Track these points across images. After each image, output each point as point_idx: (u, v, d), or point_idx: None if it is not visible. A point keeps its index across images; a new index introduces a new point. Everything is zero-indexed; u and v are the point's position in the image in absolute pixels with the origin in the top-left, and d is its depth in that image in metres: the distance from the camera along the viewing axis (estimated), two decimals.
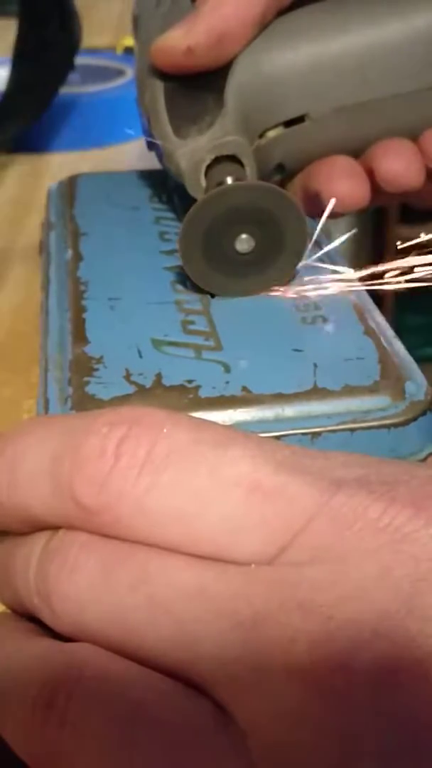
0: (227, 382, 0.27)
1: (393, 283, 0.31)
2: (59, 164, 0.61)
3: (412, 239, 0.32)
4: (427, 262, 0.31)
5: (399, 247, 0.31)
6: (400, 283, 0.31)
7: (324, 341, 0.29)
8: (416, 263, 0.31)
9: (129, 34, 0.51)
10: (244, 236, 0.31)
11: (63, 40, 0.58)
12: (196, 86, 0.34)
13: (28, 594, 0.21)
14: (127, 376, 0.27)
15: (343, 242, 0.33)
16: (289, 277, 0.32)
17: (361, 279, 0.32)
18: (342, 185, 0.36)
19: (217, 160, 0.33)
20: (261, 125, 0.35)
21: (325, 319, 0.30)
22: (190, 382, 0.27)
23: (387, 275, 0.31)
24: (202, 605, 0.18)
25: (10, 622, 0.22)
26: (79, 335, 0.30)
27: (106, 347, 0.29)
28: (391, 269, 0.31)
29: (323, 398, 0.27)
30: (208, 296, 0.32)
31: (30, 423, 0.22)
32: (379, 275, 0.31)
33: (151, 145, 0.37)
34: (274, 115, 0.35)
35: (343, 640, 0.17)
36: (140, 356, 0.28)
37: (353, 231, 0.34)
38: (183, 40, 0.33)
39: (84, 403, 0.27)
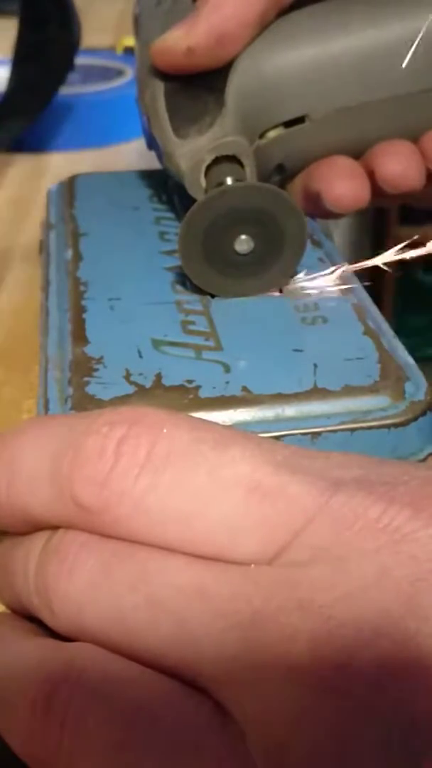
0: (227, 382, 0.27)
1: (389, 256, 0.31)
2: (59, 164, 0.61)
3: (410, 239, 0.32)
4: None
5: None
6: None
7: (324, 341, 0.29)
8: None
9: (129, 34, 0.51)
10: (243, 237, 0.31)
11: (63, 40, 0.58)
12: (196, 86, 0.34)
13: (28, 594, 0.21)
14: (127, 376, 0.27)
15: (343, 242, 0.33)
16: (288, 277, 0.32)
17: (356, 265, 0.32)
18: (342, 186, 0.36)
19: (217, 161, 0.33)
20: (261, 125, 0.35)
21: (325, 320, 0.30)
22: (190, 382, 0.27)
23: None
24: (201, 605, 0.18)
25: (10, 622, 0.22)
26: (79, 335, 0.30)
27: (106, 347, 0.29)
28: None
29: (323, 398, 0.27)
30: (208, 296, 0.32)
31: (30, 423, 0.22)
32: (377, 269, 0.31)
33: (151, 145, 0.37)
34: (275, 115, 0.35)
35: (343, 639, 0.17)
36: (140, 356, 0.28)
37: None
38: (183, 40, 0.33)
39: (84, 403, 0.27)
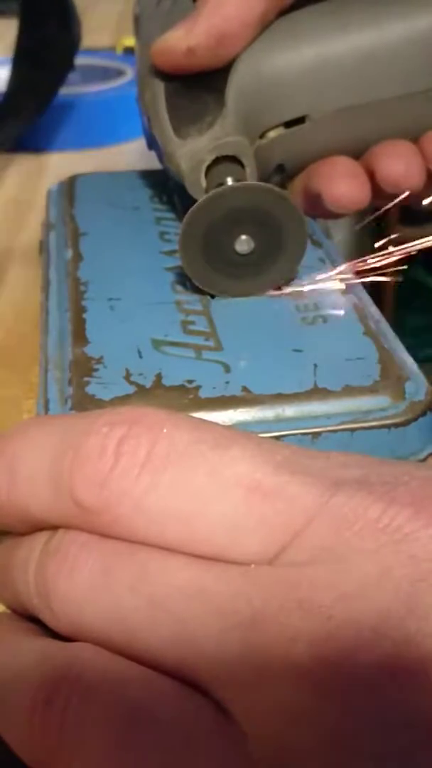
0: (227, 383, 0.27)
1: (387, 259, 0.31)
2: (59, 164, 0.61)
3: (412, 240, 0.32)
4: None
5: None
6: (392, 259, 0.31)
7: (324, 341, 0.29)
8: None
9: (129, 34, 0.51)
10: (243, 237, 0.31)
11: (63, 40, 0.58)
12: (196, 86, 0.34)
13: (28, 594, 0.21)
14: (127, 377, 0.27)
15: (344, 243, 0.33)
16: (288, 277, 0.32)
17: (358, 272, 0.32)
18: (342, 186, 0.36)
19: (218, 161, 0.33)
20: (261, 126, 0.35)
21: (325, 320, 0.30)
22: (190, 382, 0.27)
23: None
24: (202, 605, 0.18)
25: (10, 622, 0.22)
26: (79, 335, 0.30)
27: (106, 347, 0.29)
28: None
29: (323, 398, 0.27)
30: (208, 296, 0.32)
31: (30, 423, 0.22)
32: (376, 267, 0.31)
33: (151, 145, 0.37)
34: (275, 115, 0.35)
35: (343, 639, 0.17)
36: (140, 356, 0.28)
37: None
38: (183, 40, 0.33)
39: (84, 403, 0.27)
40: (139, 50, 0.38)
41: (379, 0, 0.35)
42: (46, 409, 0.27)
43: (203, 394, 0.27)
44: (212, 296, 0.32)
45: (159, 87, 0.35)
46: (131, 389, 0.27)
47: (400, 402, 0.27)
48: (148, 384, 0.27)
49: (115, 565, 0.19)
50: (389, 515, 0.18)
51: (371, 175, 0.36)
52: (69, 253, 0.35)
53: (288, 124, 0.36)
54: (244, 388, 0.27)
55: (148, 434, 0.20)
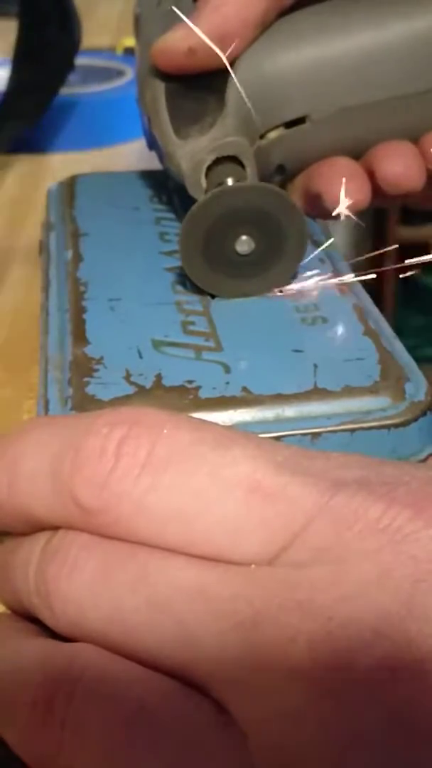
0: (227, 383, 0.27)
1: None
2: (59, 164, 0.61)
3: (411, 240, 0.32)
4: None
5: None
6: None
7: (324, 342, 0.29)
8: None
9: (129, 34, 0.51)
10: (244, 237, 0.31)
11: (63, 40, 0.58)
12: (197, 86, 0.34)
13: (28, 594, 0.21)
14: (128, 377, 0.27)
15: (344, 243, 0.33)
16: (289, 278, 0.32)
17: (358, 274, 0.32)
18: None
19: (218, 161, 0.33)
20: (262, 126, 0.35)
21: (324, 320, 0.30)
22: (190, 382, 0.27)
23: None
24: (202, 606, 0.18)
25: (10, 622, 0.22)
26: (79, 336, 0.30)
27: (106, 348, 0.29)
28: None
29: (323, 399, 0.27)
30: (208, 297, 0.32)
31: (30, 423, 0.22)
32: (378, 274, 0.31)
33: (151, 145, 0.37)
34: (275, 116, 0.35)
35: (343, 640, 0.17)
36: (140, 357, 0.28)
37: None
38: (184, 40, 0.33)
39: (84, 403, 0.27)
40: (139, 50, 0.38)
41: (379, 0, 0.35)
42: (46, 409, 0.27)
43: (203, 394, 0.27)
44: (212, 296, 0.32)
45: (159, 87, 0.35)
46: (131, 390, 0.27)
47: (400, 402, 0.27)
48: (148, 384, 0.27)
49: (115, 565, 0.19)
50: (390, 516, 0.18)
51: (371, 176, 0.36)
52: (69, 254, 0.35)
53: (288, 125, 0.36)
54: (244, 389, 0.27)
55: (148, 435, 0.20)
